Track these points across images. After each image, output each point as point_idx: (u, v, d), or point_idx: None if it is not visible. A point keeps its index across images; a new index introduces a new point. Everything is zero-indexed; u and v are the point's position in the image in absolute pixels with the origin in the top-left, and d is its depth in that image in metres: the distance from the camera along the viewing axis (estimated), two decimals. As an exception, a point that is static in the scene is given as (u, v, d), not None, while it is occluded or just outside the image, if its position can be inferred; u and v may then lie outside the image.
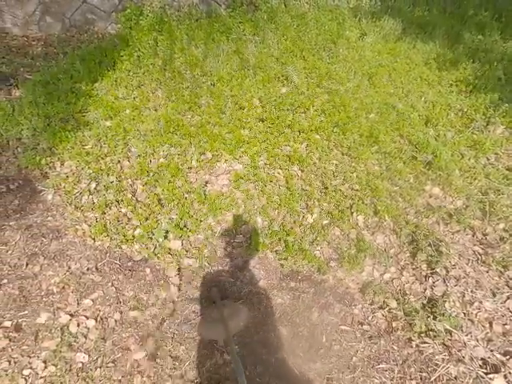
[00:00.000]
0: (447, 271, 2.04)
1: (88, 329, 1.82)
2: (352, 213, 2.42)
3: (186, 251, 2.24)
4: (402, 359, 1.79)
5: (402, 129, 2.91)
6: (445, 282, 2.01)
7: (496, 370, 1.67)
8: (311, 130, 2.96)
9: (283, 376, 1.71)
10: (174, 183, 2.54)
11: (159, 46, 3.77)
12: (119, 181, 2.56)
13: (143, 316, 1.92)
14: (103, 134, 2.85)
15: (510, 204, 2.36)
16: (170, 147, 2.77)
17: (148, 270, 2.14)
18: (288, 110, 3.17)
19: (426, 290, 2.02)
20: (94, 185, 2.50)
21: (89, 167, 2.60)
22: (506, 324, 1.82)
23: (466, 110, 3.08)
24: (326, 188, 2.57)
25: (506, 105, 2.97)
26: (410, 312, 1.91)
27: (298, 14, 4.41)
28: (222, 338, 1.76)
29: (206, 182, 2.64)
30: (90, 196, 2.45)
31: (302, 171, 2.72)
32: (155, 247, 2.22)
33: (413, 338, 1.83)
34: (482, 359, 1.71)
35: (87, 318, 1.86)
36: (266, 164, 2.75)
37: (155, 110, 3.11)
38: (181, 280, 2.11)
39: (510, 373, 1.64)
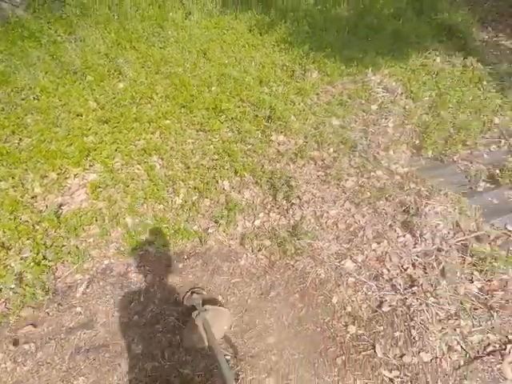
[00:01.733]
0: (300, 199, 2.46)
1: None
2: (217, 181, 2.62)
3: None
4: (285, 281, 2.13)
5: (241, 93, 3.22)
6: (300, 208, 2.43)
7: (345, 256, 2.17)
8: (160, 117, 2.99)
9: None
10: (17, 219, 2.24)
11: None
12: None
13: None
14: None
15: (333, 130, 2.95)
16: (-2, 182, 2.40)
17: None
18: (131, 103, 3.10)
19: (289, 220, 2.40)
20: None
21: None
22: (346, 221, 2.35)
23: (287, 64, 3.59)
24: (188, 167, 2.69)
25: (313, 52, 3.58)
26: (281, 242, 2.26)
27: (115, 3, 4.20)
28: (207, 345, 1.72)
29: (60, 205, 2.42)
30: None
31: (162, 159, 2.76)
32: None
33: (288, 261, 2.19)
34: (335, 253, 2.18)
35: None
36: (122, 165, 2.67)
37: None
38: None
39: (353, 254, 2.16)
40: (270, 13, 4.39)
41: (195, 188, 2.56)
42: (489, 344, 1.87)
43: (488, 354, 1.84)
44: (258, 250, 2.28)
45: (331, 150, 2.86)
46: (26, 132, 2.77)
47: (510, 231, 2.38)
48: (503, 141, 3.00)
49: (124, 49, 3.65)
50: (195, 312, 1.85)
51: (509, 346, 1.85)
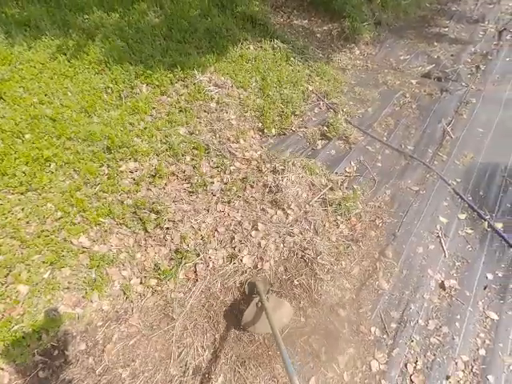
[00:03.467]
0: (173, 221, 2.28)
1: None
2: (70, 242, 2.15)
3: None
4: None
5: (65, 132, 2.70)
6: (176, 229, 2.24)
7: (234, 256, 2.14)
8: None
9: None
10: None
11: None
12: None
13: None
14: None
15: (183, 139, 2.82)
16: None
17: None
18: None
19: (170, 247, 2.19)
20: None
21: None
22: (224, 222, 2.31)
23: (111, 85, 3.21)
24: (25, 241, 2.10)
25: (132, 67, 3.32)
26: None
27: None
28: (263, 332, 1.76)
29: None
30: None
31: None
32: None
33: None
34: (224, 258, 2.13)
35: None
36: None
37: None
38: None
39: (240, 250, 2.15)
40: (72, 35, 3.84)
41: (44, 262, 2.02)
42: (365, 270, 2.19)
43: (368, 278, 2.15)
44: (148, 295, 2.00)
45: (188, 158, 2.74)
46: None
47: (349, 173, 2.83)
48: (321, 102, 3.52)
49: None
50: (256, 298, 1.83)
51: (378, 264, 2.21)
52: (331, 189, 2.61)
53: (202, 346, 1.84)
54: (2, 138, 2.59)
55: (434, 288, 2.14)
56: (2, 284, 1.91)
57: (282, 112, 3.24)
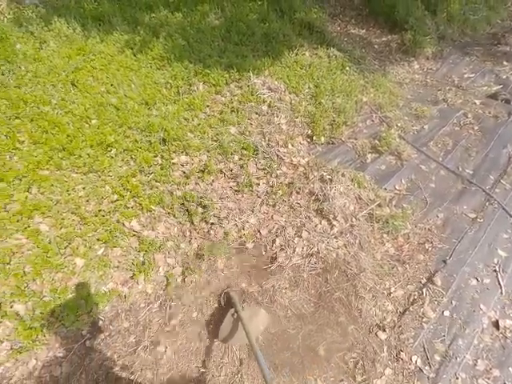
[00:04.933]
0: (218, 217, 2.32)
1: None
2: (123, 224, 2.28)
3: None
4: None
5: (127, 121, 2.88)
6: (221, 225, 2.29)
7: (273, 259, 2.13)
8: (32, 169, 2.45)
9: None
10: None
11: None
12: None
13: None
14: None
15: (233, 139, 2.88)
16: None
17: None
18: (-13, 163, 2.45)
19: (213, 242, 2.24)
20: None
21: None
22: (267, 225, 2.31)
23: (170, 81, 3.37)
24: (84, 218, 2.26)
25: (192, 65, 3.46)
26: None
27: None
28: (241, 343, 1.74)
29: None
30: None
31: (49, 217, 2.26)
32: None
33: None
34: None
35: None
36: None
37: None
38: None
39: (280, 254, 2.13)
40: (139, 31, 4.09)
41: (98, 240, 2.16)
42: (410, 294, 2.07)
43: (412, 304, 2.03)
44: (189, 285, 2.05)
45: (236, 158, 2.79)
46: None
47: (398, 190, 2.71)
48: (374, 115, 3.41)
49: (-38, 97, 2.89)
50: (232, 310, 1.83)
51: (424, 290, 2.08)
52: (379, 205, 2.51)
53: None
54: (72, 122, 2.82)
55: (486, 326, 1.96)
56: (62, 255, 2.06)
57: (333, 121, 3.19)
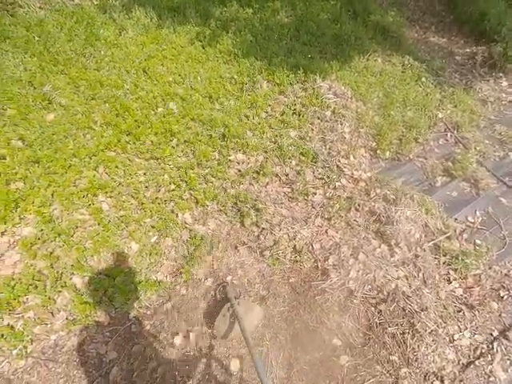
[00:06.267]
0: (270, 223, 2.23)
1: None
2: (177, 214, 2.28)
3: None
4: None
5: (190, 113, 2.89)
6: (271, 232, 2.19)
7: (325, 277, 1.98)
8: (102, 150, 2.56)
9: None
10: None
11: None
12: None
13: None
14: None
15: (292, 142, 2.76)
16: None
17: None
18: (66, 137, 2.61)
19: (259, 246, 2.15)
20: None
21: None
22: (320, 240, 2.17)
23: (235, 77, 3.33)
24: (142, 203, 2.31)
25: (258, 62, 3.38)
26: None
27: (34, 24, 3.60)
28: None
29: (-14, 273, 1.91)
30: None
31: (110, 197, 2.35)
32: None
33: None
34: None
35: None
36: (62, 211, 2.21)
37: None
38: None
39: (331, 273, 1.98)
40: (210, 24, 4.11)
41: (153, 227, 2.19)
42: (477, 346, 1.80)
43: (478, 357, 1.76)
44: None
45: (293, 163, 2.67)
46: None
47: (471, 223, 2.38)
48: (449, 133, 3.06)
49: (51, 74, 3.11)
50: (227, 304, 1.81)
51: (495, 344, 1.80)
52: (448, 237, 2.23)
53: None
54: (141, 108, 2.91)
55: None
56: (119, 236, 2.12)
57: (402, 136, 2.91)
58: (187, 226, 2.25)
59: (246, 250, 2.13)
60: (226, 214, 2.32)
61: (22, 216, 2.15)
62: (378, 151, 2.84)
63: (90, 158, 2.51)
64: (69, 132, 2.65)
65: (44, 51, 3.30)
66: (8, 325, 1.73)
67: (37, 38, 3.45)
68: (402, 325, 1.82)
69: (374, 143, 2.90)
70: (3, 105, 2.76)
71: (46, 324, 1.78)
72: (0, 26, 3.45)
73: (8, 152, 2.44)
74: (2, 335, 1.70)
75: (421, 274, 1.97)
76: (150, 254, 2.07)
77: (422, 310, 1.84)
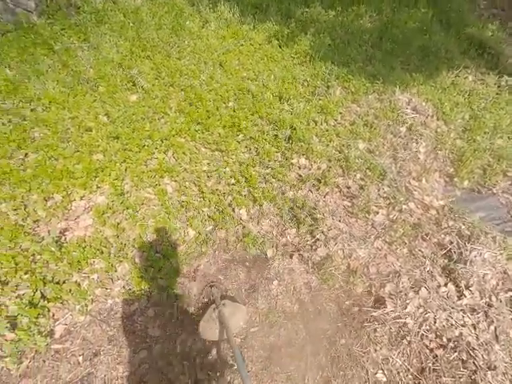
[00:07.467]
0: (325, 235, 2.13)
1: None
2: (233, 209, 2.30)
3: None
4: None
5: (260, 111, 2.89)
6: (326, 245, 2.09)
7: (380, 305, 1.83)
8: (174, 135, 2.68)
9: None
10: (16, 248, 1.95)
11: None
12: None
13: None
14: None
15: (359, 155, 2.60)
16: (-3, 205, 2.12)
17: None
18: (143, 118, 2.79)
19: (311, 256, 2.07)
20: None
21: None
22: (378, 263, 2.01)
23: (309, 79, 3.25)
24: (203, 192, 2.37)
25: (334, 67, 3.24)
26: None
27: (131, 11, 3.91)
28: (222, 338, 1.69)
29: (64, 230, 2.13)
30: None
31: (175, 181, 2.45)
32: None
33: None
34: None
35: None
36: (132, 187, 2.37)
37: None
38: None
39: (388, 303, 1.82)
40: (290, 24, 4.05)
41: (209, 217, 2.24)
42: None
43: None
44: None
45: (358, 176, 2.52)
46: (33, 147, 2.48)
47: None
48: (547, 171, 2.62)
49: (138, 58, 3.35)
50: (213, 305, 1.80)
51: None
52: (530, 290, 1.91)
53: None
54: (213, 100, 2.98)
55: None
56: (179, 220, 2.21)
57: (488, 165, 2.57)
58: (242, 222, 2.25)
59: (297, 258, 2.06)
60: (281, 217, 2.28)
61: (99, 185, 2.35)
62: (455, 178, 2.55)
63: (162, 142, 2.65)
64: (146, 114, 2.82)
65: (136, 37, 3.56)
66: (76, 282, 1.91)
67: (131, 24, 3.73)
68: (460, 378, 1.61)
69: (452, 169, 2.60)
70: (96, 82, 3.04)
71: (106, 288, 1.93)
72: (103, 11, 3.80)
73: (94, 125, 2.69)
74: (70, 290, 1.88)
75: (492, 327, 1.72)
76: (203, 243, 2.11)
77: (488, 368, 1.60)
